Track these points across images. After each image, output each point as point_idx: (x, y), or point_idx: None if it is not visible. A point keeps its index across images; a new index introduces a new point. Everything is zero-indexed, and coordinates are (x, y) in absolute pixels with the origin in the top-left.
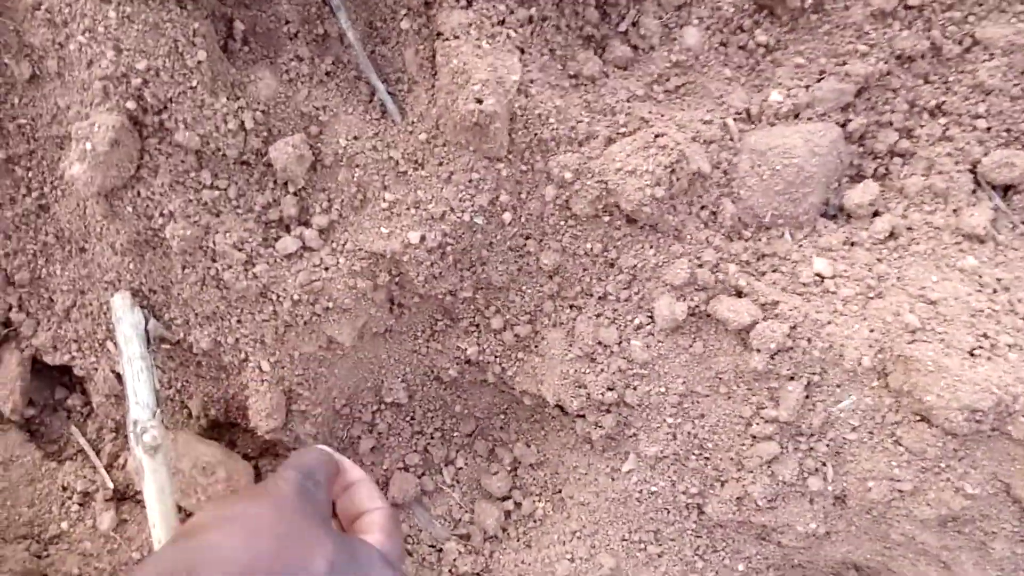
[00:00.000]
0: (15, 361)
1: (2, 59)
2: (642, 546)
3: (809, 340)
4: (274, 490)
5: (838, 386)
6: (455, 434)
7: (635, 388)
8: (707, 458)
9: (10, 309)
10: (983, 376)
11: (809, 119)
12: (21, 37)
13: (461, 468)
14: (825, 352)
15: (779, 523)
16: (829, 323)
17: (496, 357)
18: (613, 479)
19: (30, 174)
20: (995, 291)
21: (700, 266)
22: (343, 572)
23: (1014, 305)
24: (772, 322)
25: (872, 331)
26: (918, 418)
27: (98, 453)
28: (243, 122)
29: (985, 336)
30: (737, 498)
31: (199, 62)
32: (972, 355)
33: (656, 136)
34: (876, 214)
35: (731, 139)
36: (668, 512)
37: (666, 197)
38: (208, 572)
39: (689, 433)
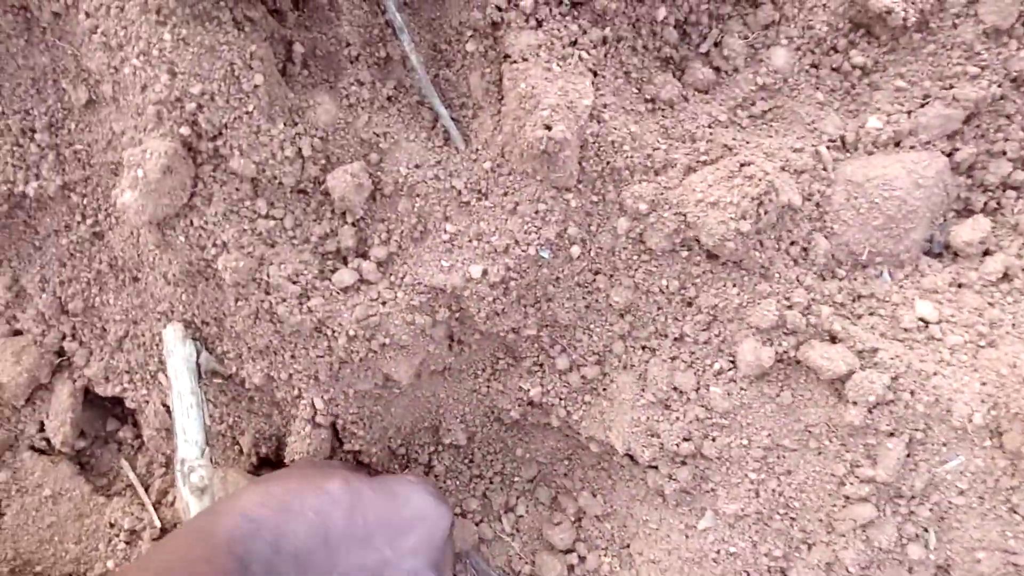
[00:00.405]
0: (67, 392)
1: (60, 84)
2: None
3: (912, 393)
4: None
5: (944, 444)
6: (516, 479)
7: (714, 439)
8: (793, 519)
9: (64, 338)
10: None
11: (912, 148)
12: (79, 62)
13: (522, 516)
14: (930, 407)
15: None
16: (935, 374)
17: (561, 399)
18: (687, 537)
19: (85, 201)
20: None
21: (790, 307)
22: (360, 486)
23: None
24: (871, 372)
25: (984, 384)
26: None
27: (147, 489)
28: (300, 149)
29: None
30: (827, 564)
31: (256, 86)
32: None
33: (742, 165)
34: (987, 253)
35: (824, 169)
36: (748, 575)
37: (752, 232)
38: (223, 514)
39: (774, 491)
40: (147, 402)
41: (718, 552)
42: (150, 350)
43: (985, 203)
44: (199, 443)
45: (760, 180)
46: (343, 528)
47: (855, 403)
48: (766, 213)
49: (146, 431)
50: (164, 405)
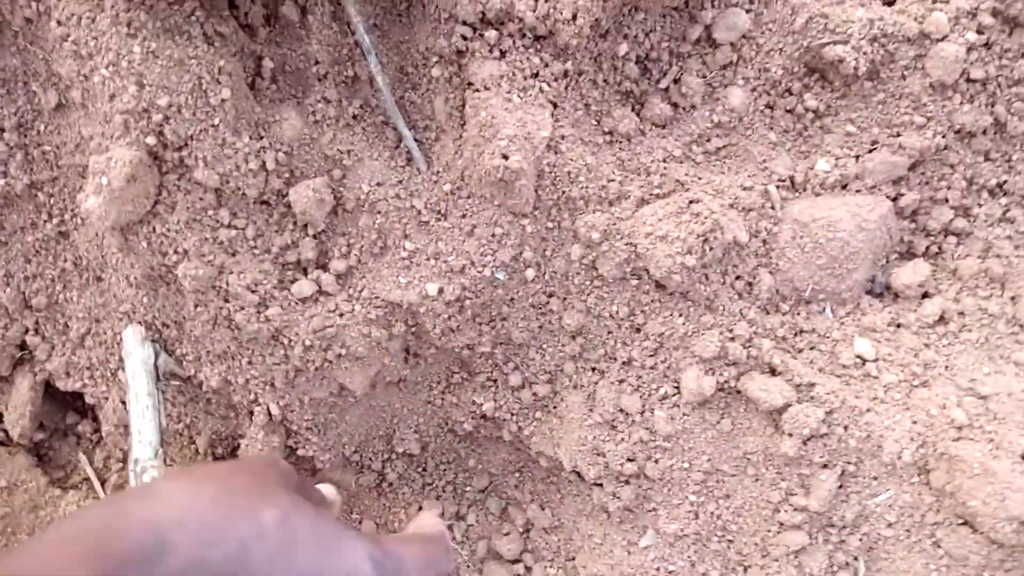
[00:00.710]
0: (27, 385)
1: (31, 87)
2: None
3: (846, 428)
4: (241, 459)
5: (875, 479)
6: (467, 489)
7: (657, 461)
8: (730, 541)
9: (26, 332)
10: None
11: (858, 191)
12: (49, 66)
13: (472, 525)
14: (863, 442)
15: None
16: (869, 411)
17: (513, 415)
18: (630, 553)
19: (52, 200)
20: None
21: (732, 339)
22: (299, 525)
23: None
24: (807, 405)
25: (915, 423)
26: (961, 521)
27: (103, 483)
28: (265, 162)
29: None
30: None
31: (223, 100)
32: None
33: (690, 202)
34: (926, 295)
35: (772, 207)
36: None
37: (698, 266)
38: (131, 521)
39: (712, 513)
40: (107, 399)
41: (658, 570)
42: (111, 348)
43: (927, 247)
44: (153, 444)
45: (707, 218)
46: (262, 571)
47: (790, 435)
48: (711, 249)
49: (105, 426)
50: (123, 402)
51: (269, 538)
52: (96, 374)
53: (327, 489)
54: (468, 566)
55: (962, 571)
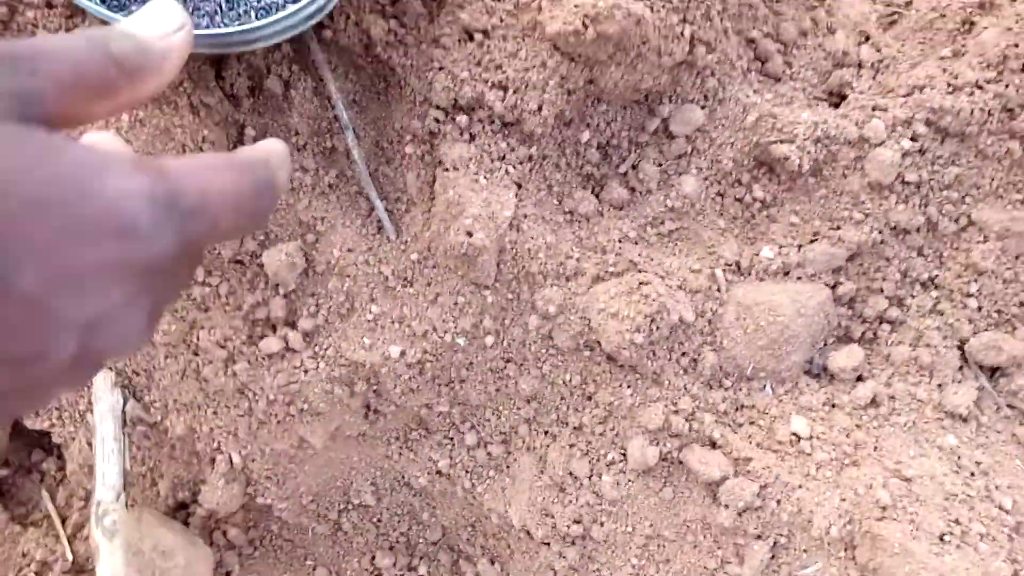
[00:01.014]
0: None
1: None
2: None
3: (778, 502)
4: None
5: (805, 551)
6: (420, 541)
7: (602, 524)
8: None
9: None
10: (950, 566)
11: (799, 278)
12: None
13: None
14: (794, 516)
15: None
16: (800, 487)
17: (467, 472)
18: None
19: None
20: (972, 474)
21: (676, 412)
22: (17, 183)
23: (991, 492)
24: (742, 479)
25: (843, 500)
26: None
27: (64, 521)
28: None
29: (957, 522)
30: None
31: None
32: (941, 540)
33: (640, 284)
34: (860, 379)
35: (718, 290)
36: None
37: (645, 343)
38: None
39: None
40: (73, 439)
41: None
42: (81, 391)
43: (863, 333)
44: (115, 488)
45: (654, 300)
46: None
47: (727, 506)
48: (658, 329)
49: (70, 465)
50: (89, 443)
51: None
52: (65, 415)
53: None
54: None
55: None
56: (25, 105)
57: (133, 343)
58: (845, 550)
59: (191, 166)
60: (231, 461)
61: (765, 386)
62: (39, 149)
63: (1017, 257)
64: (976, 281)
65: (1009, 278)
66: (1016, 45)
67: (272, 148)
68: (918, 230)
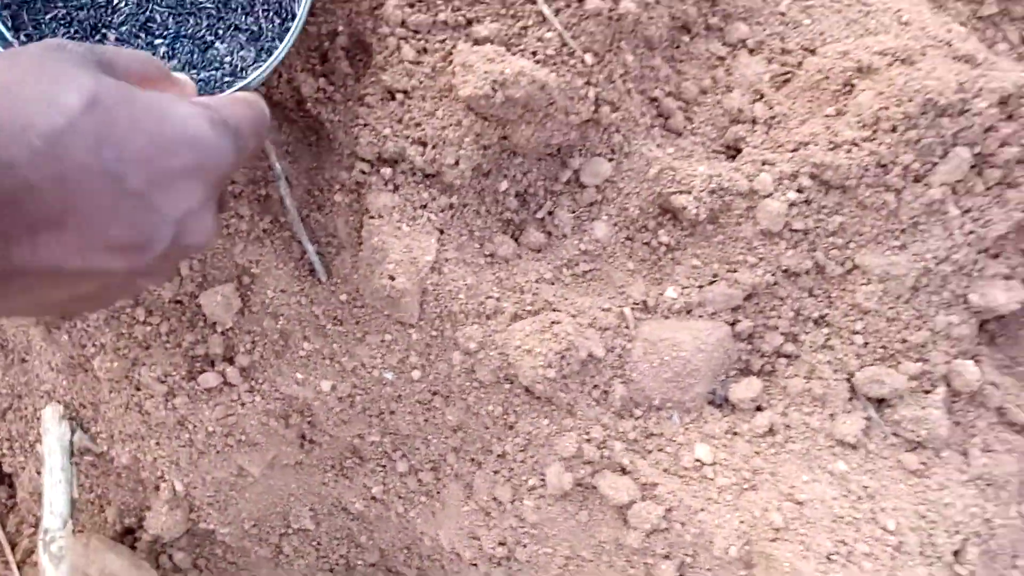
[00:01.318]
0: None
1: None
2: None
3: (683, 524)
4: (14, 51)
5: (709, 570)
6: (359, 563)
7: (525, 546)
8: None
9: None
10: None
11: (700, 316)
12: None
13: None
14: (697, 537)
15: None
16: (702, 510)
17: (400, 498)
18: None
19: None
20: (859, 498)
21: (588, 441)
22: (118, 110)
23: (876, 514)
24: (649, 503)
25: (742, 523)
26: None
27: (14, 547)
28: (180, 269)
29: (843, 543)
30: None
31: None
32: (828, 560)
33: (552, 323)
34: (759, 409)
35: (627, 327)
36: None
37: (558, 377)
38: None
39: None
40: (23, 468)
41: None
42: (31, 423)
43: (761, 367)
44: (63, 516)
45: (563, 338)
46: (86, 165)
47: (635, 528)
48: (568, 364)
49: (20, 493)
50: (39, 472)
51: (83, 127)
52: (15, 445)
53: (179, 75)
54: None
55: None
56: (104, 66)
57: (208, 239)
58: (744, 569)
59: (223, 101)
60: (174, 489)
61: (672, 416)
62: (125, 89)
63: (898, 298)
64: (862, 320)
65: (891, 316)
66: (887, 108)
67: (249, 94)
68: (807, 272)
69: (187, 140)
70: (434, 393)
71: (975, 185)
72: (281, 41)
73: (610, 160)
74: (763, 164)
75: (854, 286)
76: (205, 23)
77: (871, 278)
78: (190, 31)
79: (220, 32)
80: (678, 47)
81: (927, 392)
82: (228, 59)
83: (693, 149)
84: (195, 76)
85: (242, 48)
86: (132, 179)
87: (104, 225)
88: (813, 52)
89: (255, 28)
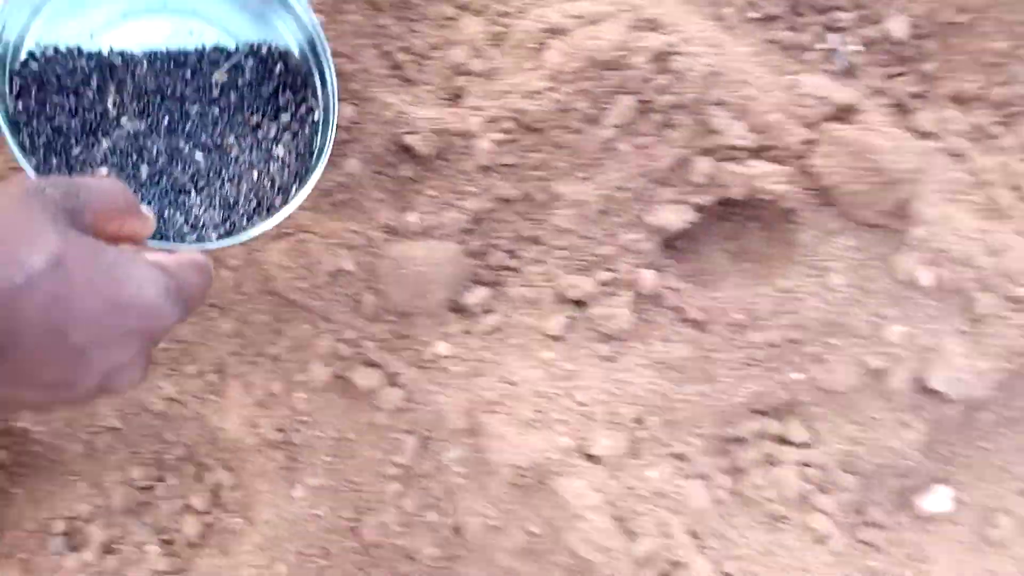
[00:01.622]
0: None
1: None
2: (312, 560)
3: (422, 404)
4: None
5: (444, 440)
6: (167, 456)
7: (299, 431)
8: (357, 491)
9: None
10: (529, 441)
11: (437, 238)
12: None
13: (172, 485)
14: (433, 414)
15: (412, 546)
16: (438, 392)
17: (194, 397)
18: (289, 503)
19: None
20: (560, 379)
21: (343, 342)
22: (77, 272)
23: (571, 391)
24: (393, 388)
25: (469, 402)
26: (487, 473)
27: None
28: None
29: (541, 412)
30: (381, 524)
31: None
32: (529, 425)
33: (302, 242)
34: (488, 312)
35: (375, 247)
36: (331, 533)
37: (311, 287)
38: None
39: (342, 470)
40: None
41: (308, 515)
42: None
43: (491, 278)
44: None
45: (314, 255)
46: (37, 324)
47: (382, 409)
48: (318, 276)
49: None
50: None
51: (40, 286)
52: None
53: (144, 211)
54: (167, 516)
55: (503, 506)
56: (76, 215)
57: (133, 387)
58: (470, 436)
59: (180, 266)
60: None
61: (419, 321)
62: (88, 248)
63: (589, 220)
64: (563, 237)
65: (585, 235)
66: (566, 62)
67: (202, 258)
68: (520, 200)
69: (138, 306)
70: (211, 306)
71: (642, 126)
72: (250, 225)
73: (355, 105)
74: (477, 109)
75: (555, 211)
76: (191, 172)
77: (566, 204)
78: (175, 171)
79: (200, 186)
80: (411, 8)
81: (615, 295)
82: (196, 212)
83: (424, 96)
84: (159, 212)
85: (213, 209)
86: (75, 336)
87: (37, 368)
88: (523, 15)
89: (232, 199)
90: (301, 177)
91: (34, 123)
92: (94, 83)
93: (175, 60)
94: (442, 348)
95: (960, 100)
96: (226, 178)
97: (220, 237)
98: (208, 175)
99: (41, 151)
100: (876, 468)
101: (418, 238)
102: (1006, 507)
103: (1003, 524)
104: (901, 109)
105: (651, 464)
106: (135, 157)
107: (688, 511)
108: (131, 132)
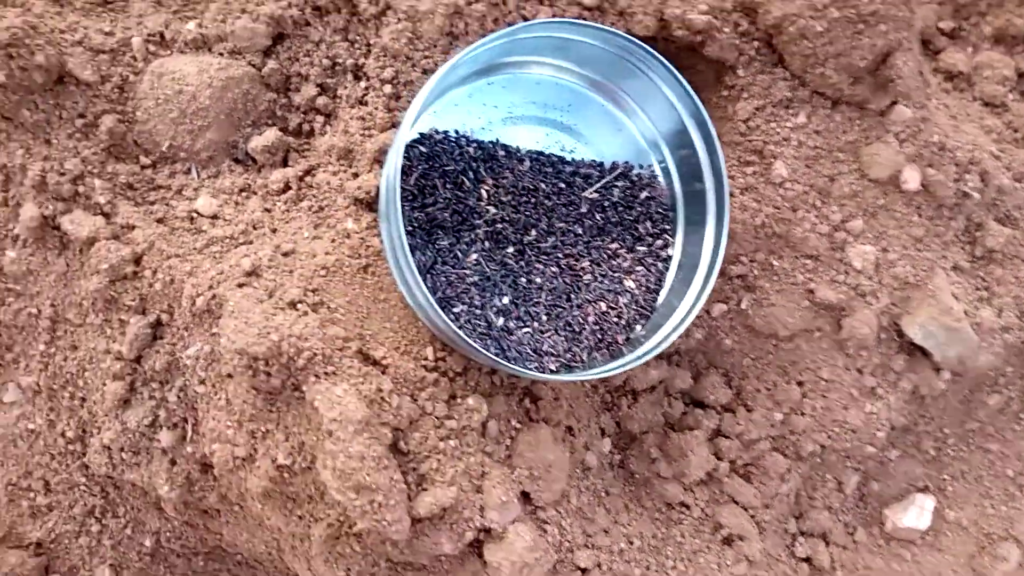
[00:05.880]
0: None
1: None
2: (30, 495)
3: (154, 272)
4: None
5: (186, 329)
6: None
7: (9, 304)
8: (83, 398)
9: None
10: (275, 325)
11: (221, 54)
12: None
13: None
14: (167, 286)
15: (148, 484)
16: (176, 256)
17: None
18: (3, 413)
19: None
20: (357, 256)
21: (63, 174)
22: None
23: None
24: (116, 243)
25: (219, 274)
26: (227, 375)
27: None
28: None
29: (315, 291)
30: (106, 447)
31: None
32: (293, 307)
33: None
34: (286, 165)
35: (135, 57)
36: (52, 458)
37: (14, 86)
38: None
39: (61, 366)
40: None
41: (22, 430)
42: None
43: (298, 123)
44: None
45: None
46: None
47: (97, 272)
48: (21, 71)
49: None
50: None
51: None
52: None
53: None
54: None
55: (250, 427)
56: None
57: None
58: (211, 322)
59: None
60: None
61: (191, 169)
62: None
63: (423, 40)
64: (391, 66)
65: (411, 56)
66: None
67: None
68: (340, 11)
69: None
70: None
71: None
72: (591, 361)
73: None
74: None
75: (386, 27)
76: (546, 290)
77: (400, 16)
78: (531, 287)
79: (549, 305)
80: None
81: None
82: (540, 336)
83: None
84: (504, 327)
85: (557, 335)
86: None
87: None
88: None
89: (577, 327)
90: (646, 316)
91: (415, 201)
92: (473, 171)
93: (554, 166)
94: (203, 204)
95: None
96: (575, 303)
97: (559, 368)
98: (559, 297)
99: (418, 234)
100: (827, 454)
101: (193, 52)
102: (1014, 532)
103: (1009, 555)
104: None
105: None
106: (499, 255)
107: None
108: (498, 230)
